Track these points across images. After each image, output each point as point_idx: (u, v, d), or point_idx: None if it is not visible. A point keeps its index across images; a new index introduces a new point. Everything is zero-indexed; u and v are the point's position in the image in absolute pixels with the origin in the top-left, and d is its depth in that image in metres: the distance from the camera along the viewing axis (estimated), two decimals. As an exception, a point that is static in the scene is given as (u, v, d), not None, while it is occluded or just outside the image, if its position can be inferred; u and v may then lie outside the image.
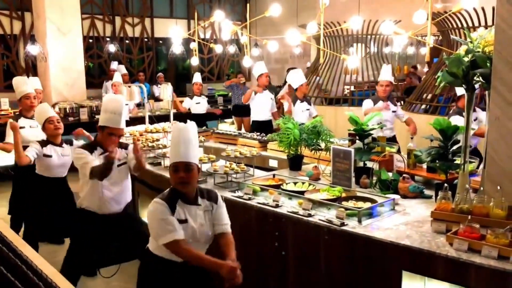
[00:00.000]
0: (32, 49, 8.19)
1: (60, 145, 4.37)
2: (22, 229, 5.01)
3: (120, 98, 3.62)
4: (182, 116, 8.40)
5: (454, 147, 3.19)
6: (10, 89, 7.49)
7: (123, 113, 3.54)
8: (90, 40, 11.47)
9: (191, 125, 2.64)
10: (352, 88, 9.47)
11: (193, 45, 8.67)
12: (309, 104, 6.83)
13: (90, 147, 3.52)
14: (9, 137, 4.92)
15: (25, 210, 4.71)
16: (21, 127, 4.92)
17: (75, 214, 3.64)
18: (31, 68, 10.40)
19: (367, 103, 5.88)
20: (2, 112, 8.10)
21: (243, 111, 9.53)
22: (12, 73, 10.26)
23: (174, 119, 7.24)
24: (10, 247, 0.77)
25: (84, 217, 3.56)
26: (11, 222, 5.08)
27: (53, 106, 8.22)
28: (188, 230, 2.53)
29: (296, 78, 6.71)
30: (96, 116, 8.42)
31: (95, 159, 3.45)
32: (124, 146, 3.71)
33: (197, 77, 8.77)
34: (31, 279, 0.75)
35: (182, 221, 2.52)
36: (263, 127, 6.99)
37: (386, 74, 5.86)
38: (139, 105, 9.07)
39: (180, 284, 2.60)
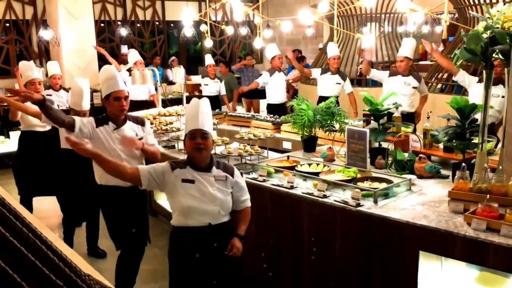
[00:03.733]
0: (45, 34, 8.21)
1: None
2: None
3: (110, 66, 3.62)
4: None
5: (472, 126, 3.14)
6: (24, 74, 7.53)
7: (118, 75, 3.49)
8: (102, 24, 11.46)
9: (205, 100, 2.79)
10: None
11: (204, 27, 8.61)
12: (343, 79, 6.82)
13: (100, 120, 3.46)
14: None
15: (63, 192, 4.75)
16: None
17: (99, 192, 3.57)
18: (44, 53, 10.44)
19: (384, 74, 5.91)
20: (16, 98, 8.17)
21: (253, 93, 9.49)
22: (25, 59, 10.31)
23: (187, 102, 7.24)
24: (30, 228, 0.77)
25: (109, 192, 3.49)
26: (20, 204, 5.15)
27: (67, 90, 8.26)
28: (193, 189, 2.62)
29: (329, 50, 6.80)
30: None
31: (85, 124, 3.40)
32: (140, 122, 3.63)
33: (209, 59, 8.68)
34: (51, 259, 0.75)
35: (189, 181, 2.63)
36: (278, 109, 6.98)
37: (403, 49, 5.77)
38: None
39: (200, 250, 2.63)
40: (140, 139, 3.54)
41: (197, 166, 2.66)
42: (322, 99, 5.79)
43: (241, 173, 2.88)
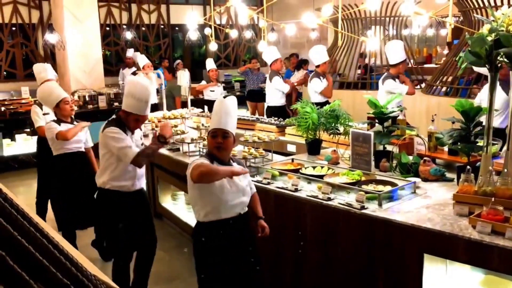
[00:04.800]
0: (51, 37, 8.26)
1: (71, 122, 4.41)
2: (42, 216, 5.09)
3: (148, 84, 3.45)
4: (199, 102, 8.42)
5: (477, 129, 3.14)
6: (30, 77, 7.58)
7: (150, 100, 3.41)
8: (107, 28, 11.52)
9: (232, 99, 2.88)
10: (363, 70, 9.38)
11: (208, 31, 8.63)
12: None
13: (122, 128, 3.35)
14: (38, 123, 5.00)
15: (55, 198, 4.74)
16: (45, 114, 5.00)
17: (102, 197, 3.54)
18: (50, 56, 10.51)
19: (391, 83, 5.78)
20: (23, 101, 8.23)
21: (257, 96, 9.51)
22: (31, 62, 10.37)
23: (191, 105, 7.26)
24: (37, 228, 0.78)
25: (113, 198, 3.47)
26: (36, 208, 5.19)
27: (73, 94, 8.31)
28: (227, 183, 2.72)
29: (319, 55, 6.73)
30: (115, 104, 8.48)
31: (132, 143, 3.34)
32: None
33: (210, 64, 8.70)
34: (58, 258, 0.76)
35: None
36: (278, 112, 6.99)
37: (402, 53, 5.77)
38: (157, 92, 9.10)
39: (232, 240, 2.77)
40: (142, 143, 3.60)
41: (222, 162, 2.78)
42: (316, 105, 5.67)
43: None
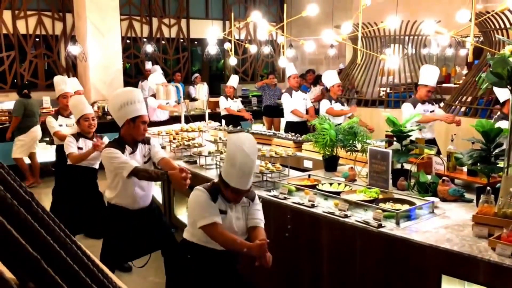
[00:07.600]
0: (73, 49, 8.43)
1: (91, 138, 4.51)
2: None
3: (135, 89, 3.59)
4: (218, 116, 8.49)
5: (497, 150, 3.10)
6: (51, 88, 7.75)
7: (141, 98, 3.48)
8: (128, 41, 11.71)
9: (249, 142, 2.63)
10: (388, 90, 9.33)
11: (228, 45, 8.73)
12: (343, 104, 6.85)
13: (119, 146, 3.41)
14: (53, 129, 5.15)
15: (60, 203, 4.84)
16: (60, 125, 5.14)
17: (106, 211, 3.65)
18: (71, 67, 10.70)
19: (408, 107, 5.70)
20: (44, 110, 8.38)
21: (274, 111, 9.55)
22: (53, 73, 10.57)
23: (209, 119, 7.32)
24: (66, 234, 0.80)
25: (116, 213, 3.54)
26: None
27: (92, 104, 8.44)
28: (226, 221, 2.70)
29: (330, 79, 6.75)
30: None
31: (130, 159, 3.39)
32: (147, 141, 3.64)
33: (232, 80, 8.78)
34: (88, 265, 0.78)
35: (222, 212, 2.70)
36: (297, 128, 6.99)
37: (433, 79, 5.71)
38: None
39: (216, 270, 2.73)
40: (148, 160, 3.59)
41: (228, 199, 2.74)
42: None
43: (260, 195, 2.98)
